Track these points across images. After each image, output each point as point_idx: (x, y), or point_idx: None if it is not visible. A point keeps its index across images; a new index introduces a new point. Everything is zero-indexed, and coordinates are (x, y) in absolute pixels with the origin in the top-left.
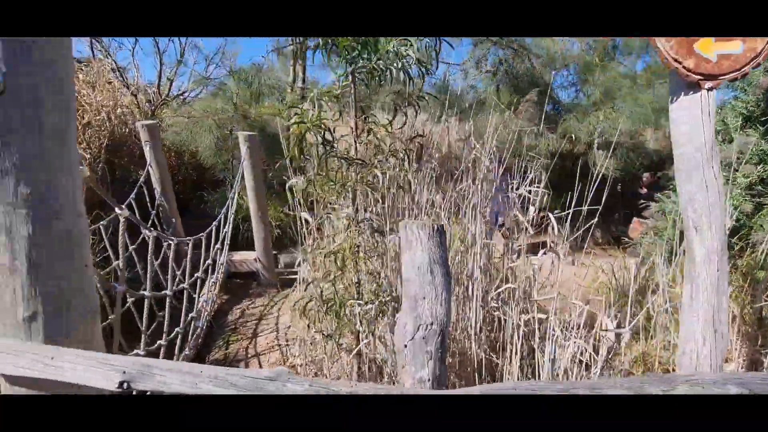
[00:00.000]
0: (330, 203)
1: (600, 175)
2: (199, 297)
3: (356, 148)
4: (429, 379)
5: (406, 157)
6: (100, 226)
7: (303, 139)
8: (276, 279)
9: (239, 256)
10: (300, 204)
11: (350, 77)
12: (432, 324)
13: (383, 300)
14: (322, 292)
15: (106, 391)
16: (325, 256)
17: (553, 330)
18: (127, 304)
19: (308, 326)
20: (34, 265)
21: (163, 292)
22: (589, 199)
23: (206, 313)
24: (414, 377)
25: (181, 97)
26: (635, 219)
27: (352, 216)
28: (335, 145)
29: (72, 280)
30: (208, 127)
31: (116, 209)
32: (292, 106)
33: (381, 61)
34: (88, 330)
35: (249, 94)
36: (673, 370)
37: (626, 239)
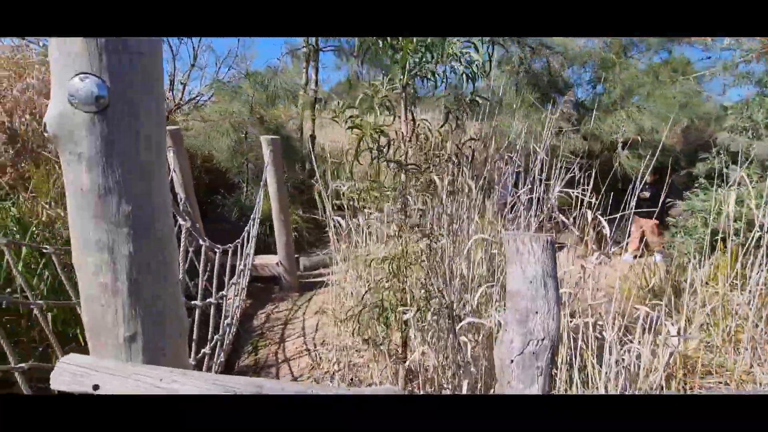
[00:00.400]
0: (378, 209)
1: (620, 174)
2: (231, 303)
3: (407, 153)
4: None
5: (459, 162)
6: None
7: (360, 145)
8: (296, 282)
9: (261, 260)
10: (325, 208)
11: (401, 80)
12: (543, 339)
13: (434, 307)
14: (380, 298)
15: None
16: (372, 262)
17: (603, 335)
18: (193, 315)
19: (352, 333)
20: (134, 285)
21: (207, 300)
22: (607, 199)
23: (236, 319)
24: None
25: (194, 100)
26: (636, 217)
27: (404, 222)
28: (387, 149)
29: (167, 299)
30: (225, 130)
31: (179, 220)
32: (350, 106)
33: (441, 64)
34: (180, 348)
35: (265, 97)
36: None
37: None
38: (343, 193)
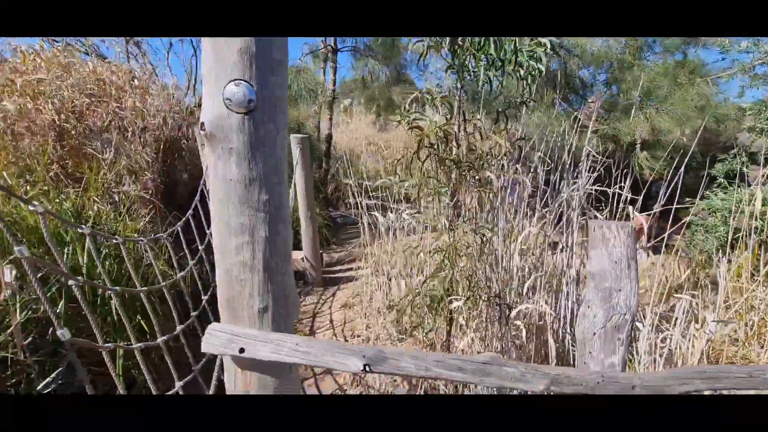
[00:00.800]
0: (427, 204)
1: (637, 174)
2: None
3: (462, 150)
4: (618, 364)
5: (518, 159)
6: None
7: (421, 144)
8: (321, 277)
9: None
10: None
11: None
12: (625, 314)
13: (484, 296)
14: (430, 288)
15: (350, 371)
16: (420, 254)
17: (638, 325)
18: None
19: (396, 321)
20: (267, 263)
21: None
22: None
23: None
24: (604, 363)
25: None
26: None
27: (455, 216)
28: (446, 147)
29: (288, 276)
30: None
31: None
32: (409, 105)
33: (505, 64)
34: (292, 325)
35: (288, 96)
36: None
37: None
38: (372, 190)
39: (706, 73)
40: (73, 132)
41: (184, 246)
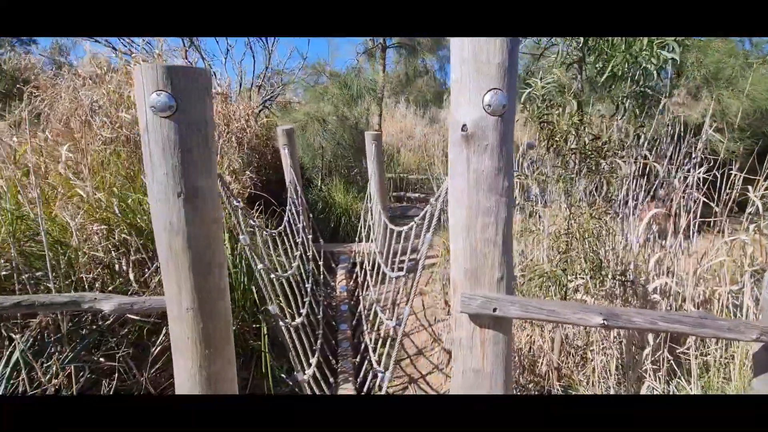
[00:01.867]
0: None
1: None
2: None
3: (578, 140)
4: None
5: (652, 147)
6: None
7: (552, 137)
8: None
9: (356, 246)
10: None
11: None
12: None
13: (611, 273)
14: (553, 268)
15: (591, 325)
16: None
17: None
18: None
19: None
20: (505, 240)
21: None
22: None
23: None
24: None
25: (273, 100)
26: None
27: (577, 202)
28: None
29: (512, 250)
30: (316, 130)
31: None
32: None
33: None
34: (513, 291)
35: (349, 96)
36: None
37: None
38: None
39: None
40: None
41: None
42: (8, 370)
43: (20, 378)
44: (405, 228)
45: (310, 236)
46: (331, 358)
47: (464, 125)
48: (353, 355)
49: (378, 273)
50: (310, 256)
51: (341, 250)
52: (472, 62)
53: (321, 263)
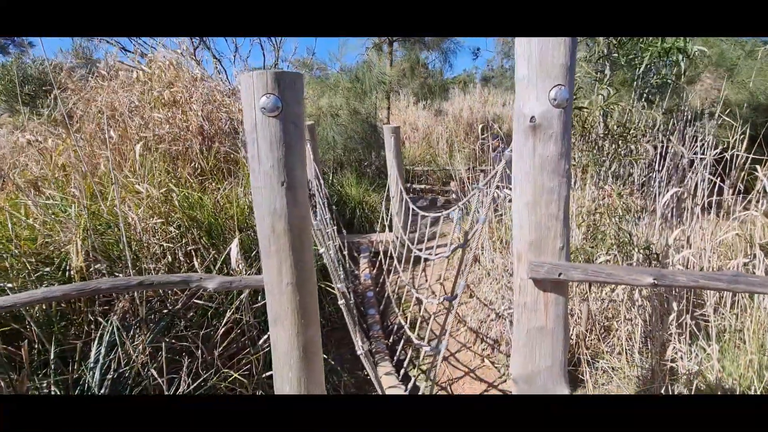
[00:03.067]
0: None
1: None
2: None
3: (606, 126)
4: None
5: (673, 132)
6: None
7: (586, 124)
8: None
9: (377, 236)
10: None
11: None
12: None
13: (637, 248)
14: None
15: (642, 284)
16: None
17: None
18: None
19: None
20: (564, 215)
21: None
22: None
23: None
24: None
25: None
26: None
27: (608, 183)
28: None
29: (568, 225)
30: (328, 124)
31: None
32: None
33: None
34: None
35: (361, 90)
36: None
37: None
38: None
39: None
40: (213, 134)
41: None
42: (103, 348)
43: (116, 354)
44: (445, 213)
45: (335, 228)
46: (365, 339)
47: (532, 117)
48: (385, 336)
49: (404, 259)
50: (338, 246)
51: (361, 240)
52: (538, 63)
53: (345, 253)
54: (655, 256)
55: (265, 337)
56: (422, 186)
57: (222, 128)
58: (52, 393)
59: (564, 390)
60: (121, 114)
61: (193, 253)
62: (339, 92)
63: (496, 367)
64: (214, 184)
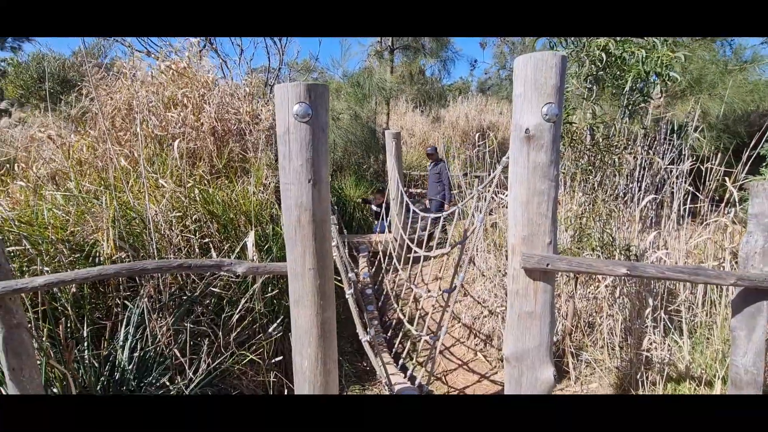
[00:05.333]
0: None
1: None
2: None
3: (593, 138)
4: None
5: (651, 144)
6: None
7: (574, 135)
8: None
9: (376, 237)
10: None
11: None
12: None
13: (618, 248)
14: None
15: (617, 274)
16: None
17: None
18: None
19: None
20: (553, 213)
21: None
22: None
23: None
24: (762, 270)
25: None
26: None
27: (590, 189)
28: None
29: (556, 224)
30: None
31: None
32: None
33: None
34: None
35: (362, 95)
36: None
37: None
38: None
39: (755, 59)
40: (223, 134)
41: None
42: (131, 328)
43: (142, 335)
44: (444, 213)
45: (337, 227)
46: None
47: (527, 129)
48: (383, 331)
49: (402, 258)
50: (340, 245)
51: (360, 240)
52: (532, 82)
53: (346, 252)
54: (635, 256)
55: (275, 324)
56: (418, 190)
57: (231, 129)
58: (89, 366)
59: (549, 368)
60: (139, 112)
61: (210, 245)
62: (341, 97)
63: (488, 361)
64: (227, 181)
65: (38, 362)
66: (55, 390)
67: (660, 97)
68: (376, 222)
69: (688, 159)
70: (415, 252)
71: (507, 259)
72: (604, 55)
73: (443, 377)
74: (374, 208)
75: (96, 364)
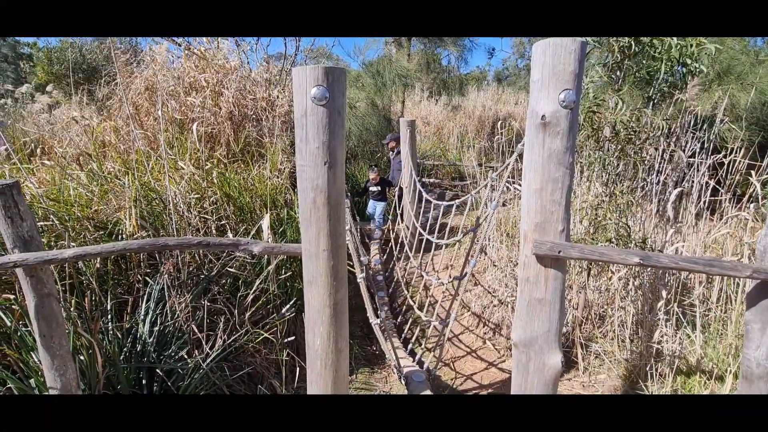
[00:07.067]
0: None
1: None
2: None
3: (614, 128)
4: None
5: (679, 136)
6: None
7: (600, 126)
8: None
9: (388, 224)
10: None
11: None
12: None
13: (630, 241)
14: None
15: (630, 263)
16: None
17: None
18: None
19: None
20: (566, 201)
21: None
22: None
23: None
24: None
25: None
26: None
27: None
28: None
29: (569, 211)
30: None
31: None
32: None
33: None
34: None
35: (382, 84)
36: None
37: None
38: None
39: None
40: (240, 119)
41: None
42: (152, 303)
43: (162, 310)
44: (458, 201)
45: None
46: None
47: (543, 115)
48: (393, 317)
49: (414, 246)
50: (354, 230)
51: (373, 227)
52: (550, 68)
53: (358, 237)
54: (650, 249)
55: (288, 306)
56: (431, 180)
57: (248, 114)
58: (113, 337)
59: (557, 354)
60: (160, 95)
61: (227, 226)
62: (361, 86)
63: (496, 349)
64: (243, 165)
65: (66, 331)
66: (81, 358)
67: (692, 87)
68: (373, 210)
69: (711, 153)
70: (428, 239)
71: (518, 250)
72: (633, 42)
73: (451, 363)
74: (371, 188)
75: (119, 336)
